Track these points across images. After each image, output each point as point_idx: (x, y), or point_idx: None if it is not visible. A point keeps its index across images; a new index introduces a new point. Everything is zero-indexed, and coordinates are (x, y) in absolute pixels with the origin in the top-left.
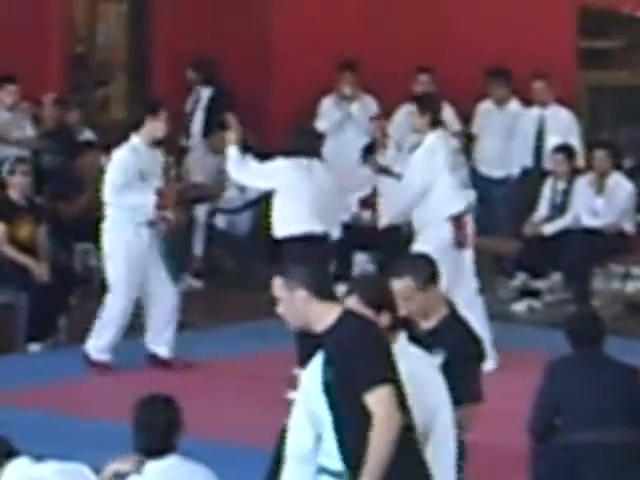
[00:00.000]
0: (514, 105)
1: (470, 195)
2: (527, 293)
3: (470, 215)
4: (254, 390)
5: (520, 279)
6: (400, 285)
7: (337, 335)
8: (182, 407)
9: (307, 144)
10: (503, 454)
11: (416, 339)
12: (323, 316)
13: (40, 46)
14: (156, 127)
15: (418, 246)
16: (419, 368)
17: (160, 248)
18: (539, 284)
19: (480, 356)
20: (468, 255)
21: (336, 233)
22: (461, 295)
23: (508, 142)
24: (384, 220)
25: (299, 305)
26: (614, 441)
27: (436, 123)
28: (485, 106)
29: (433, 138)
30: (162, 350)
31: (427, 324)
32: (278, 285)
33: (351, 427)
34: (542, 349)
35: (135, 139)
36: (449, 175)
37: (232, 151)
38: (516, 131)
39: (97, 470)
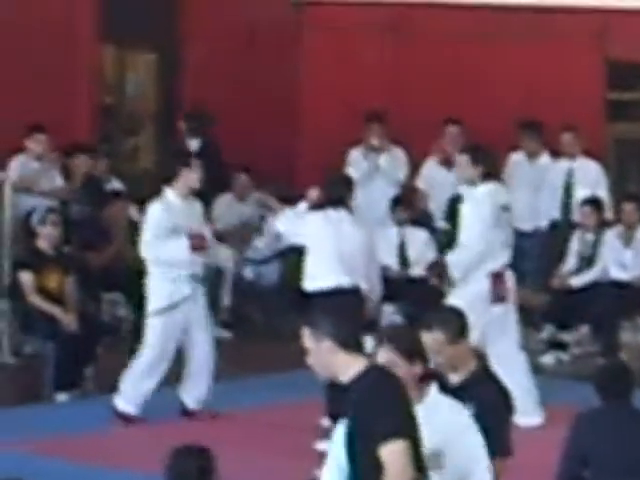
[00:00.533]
0: (545, 158)
1: (510, 253)
2: (555, 345)
3: (510, 270)
4: (283, 440)
5: (548, 331)
6: (430, 338)
7: (360, 387)
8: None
9: (337, 192)
10: None
11: (447, 391)
12: (348, 367)
13: (69, 96)
14: (191, 178)
15: (453, 300)
16: (455, 417)
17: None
18: (567, 337)
19: (509, 410)
20: (511, 310)
21: (364, 285)
22: (503, 350)
23: (537, 195)
24: (455, 276)
25: (325, 355)
26: None
27: (488, 176)
28: (516, 158)
29: (484, 190)
30: (189, 401)
31: (456, 378)
32: (306, 335)
33: (366, 479)
34: (570, 402)
35: (169, 193)
36: (493, 230)
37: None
38: (544, 183)
39: None
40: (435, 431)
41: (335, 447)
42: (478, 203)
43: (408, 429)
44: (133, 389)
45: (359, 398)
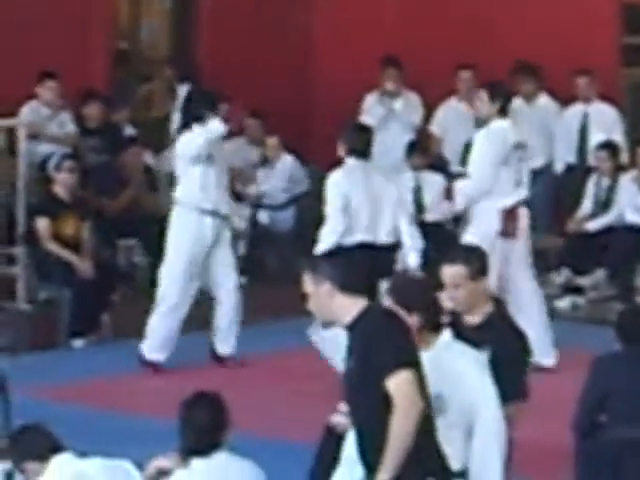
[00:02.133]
0: (544, 99)
1: (524, 192)
2: (570, 290)
3: (524, 209)
4: (299, 385)
5: (564, 276)
6: (452, 271)
7: (360, 326)
8: (228, 404)
9: (361, 141)
10: (548, 450)
11: (462, 335)
12: (348, 310)
13: (83, 42)
14: (214, 126)
15: (467, 237)
16: (463, 361)
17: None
18: (583, 281)
19: (526, 353)
20: (524, 247)
21: (384, 238)
22: (519, 288)
23: (542, 136)
24: (457, 207)
25: (324, 299)
26: None
27: (504, 112)
28: (515, 103)
29: (498, 127)
30: (222, 347)
31: (472, 319)
32: (306, 280)
33: (370, 416)
34: (585, 346)
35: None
36: (502, 168)
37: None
38: (557, 127)
39: (140, 466)
40: (441, 376)
41: None
42: (489, 139)
43: (413, 360)
44: (156, 335)
45: (361, 335)
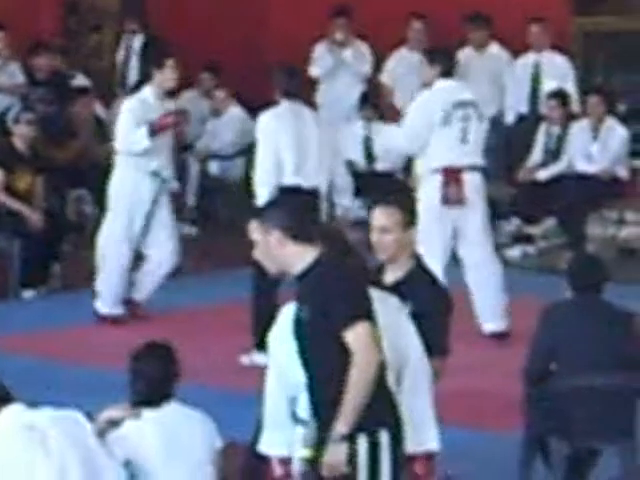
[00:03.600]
0: (494, 48)
1: (472, 156)
2: (521, 239)
3: (476, 175)
4: (244, 335)
5: (514, 225)
6: (386, 214)
7: (313, 275)
8: (179, 354)
9: (291, 84)
10: (498, 398)
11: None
12: (299, 259)
13: None
14: (165, 78)
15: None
16: (388, 309)
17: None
18: (533, 230)
19: (447, 308)
20: (474, 219)
21: (324, 186)
22: (473, 266)
23: (494, 85)
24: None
25: (274, 247)
26: (606, 386)
27: (446, 75)
28: (465, 53)
29: (436, 88)
30: (137, 294)
31: (393, 274)
32: (254, 228)
33: (326, 368)
34: (536, 294)
35: (146, 91)
36: (441, 128)
37: None
38: (508, 76)
39: (90, 417)
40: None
41: (278, 359)
42: (424, 100)
43: (369, 311)
44: (107, 290)
45: (314, 286)
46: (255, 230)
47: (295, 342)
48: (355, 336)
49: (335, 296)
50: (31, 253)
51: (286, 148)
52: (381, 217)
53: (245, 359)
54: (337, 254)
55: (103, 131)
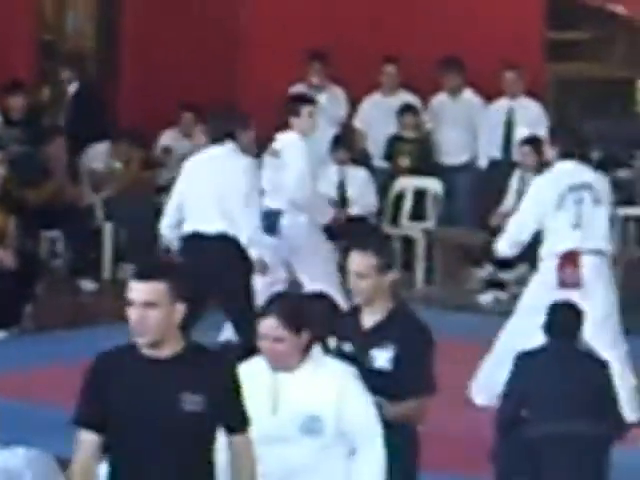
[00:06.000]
0: (468, 94)
1: (593, 236)
2: (494, 284)
3: (596, 258)
4: None
5: (487, 270)
6: (361, 259)
7: None
8: None
9: (222, 128)
10: (469, 443)
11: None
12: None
13: (7, 33)
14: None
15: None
16: (339, 381)
17: None
18: (506, 275)
19: (430, 348)
20: (597, 305)
21: (244, 237)
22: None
23: (467, 131)
24: (501, 249)
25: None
26: (578, 433)
27: (566, 156)
28: (439, 98)
29: (555, 170)
30: None
31: (372, 317)
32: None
33: None
34: None
35: None
36: (557, 210)
37: None
38: (481, 122)
39: (60, 459)
40: (318, 396)
41: None
42: (538, 186)
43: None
44: None
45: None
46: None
47: None
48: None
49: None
50: (3, 294)
51: (195, 195)
52: (357, 262)
53: None
54: None
55: (75, 173)
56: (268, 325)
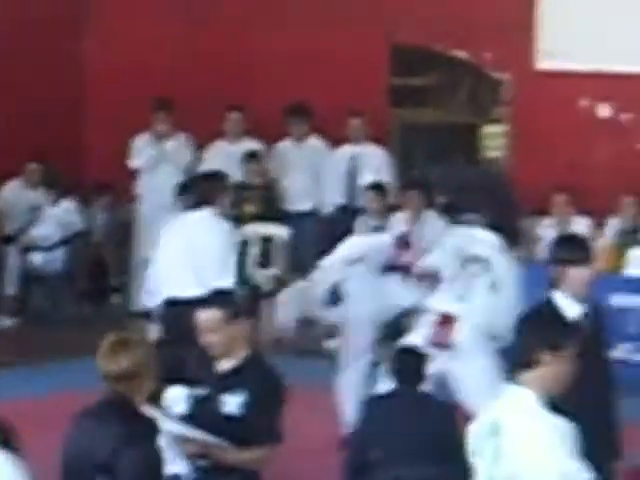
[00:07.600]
0: (314, 140)
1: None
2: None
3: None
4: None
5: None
6: (206, 316)
7: None
8: None
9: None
10: None
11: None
12: None
13: None
14: None
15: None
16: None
17: None
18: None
19: (280, 397)
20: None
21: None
22: None
23: (313, 177)
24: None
25: None
26: (421, 477)
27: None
28: (284, 144)
29: None
30: None
31: (228, 363)
32: None
33: None
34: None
35: None
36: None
37: None
38: (326, 168)
39: None
40: None
41: None
42: None
43: None
44: None
45: None
46: None
47: None
48: None
49: None
50: None
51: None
52: (203, 320)
53: None
54: None
55: None
56: None
